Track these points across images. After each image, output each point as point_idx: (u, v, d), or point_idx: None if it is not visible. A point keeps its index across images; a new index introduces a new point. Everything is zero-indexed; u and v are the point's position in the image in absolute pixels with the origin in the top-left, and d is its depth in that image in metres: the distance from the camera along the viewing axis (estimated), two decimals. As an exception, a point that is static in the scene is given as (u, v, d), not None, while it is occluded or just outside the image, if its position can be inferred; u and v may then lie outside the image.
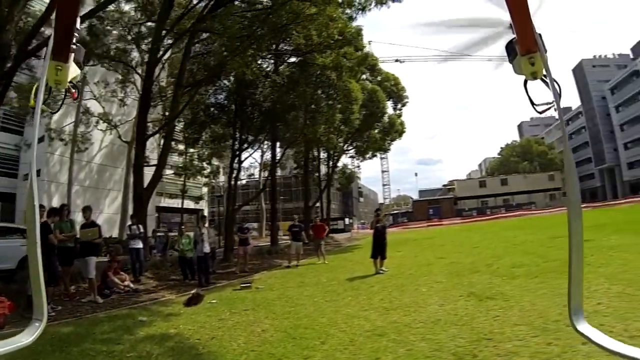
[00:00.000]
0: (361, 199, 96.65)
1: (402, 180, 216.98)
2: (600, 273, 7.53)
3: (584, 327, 1.34)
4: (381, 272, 11.43)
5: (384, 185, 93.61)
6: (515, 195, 72.07)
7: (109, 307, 9.18)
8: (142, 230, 13.15)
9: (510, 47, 1.47)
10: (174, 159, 37.93)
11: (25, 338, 1.22)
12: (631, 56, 69.20)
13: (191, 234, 13.72)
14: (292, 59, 21.86)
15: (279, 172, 46.64)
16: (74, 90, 1.47)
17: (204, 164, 35.84)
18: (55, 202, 28.31)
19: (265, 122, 22.25)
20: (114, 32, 18.30)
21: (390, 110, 36.41)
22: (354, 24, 19.84)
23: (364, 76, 31.34)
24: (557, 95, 1.40)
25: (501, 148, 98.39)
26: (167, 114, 20.73)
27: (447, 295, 7.44)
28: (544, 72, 1.40)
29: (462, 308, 6.32)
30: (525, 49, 1.39)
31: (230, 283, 12.28)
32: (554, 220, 29.53)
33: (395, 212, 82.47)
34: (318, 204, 38.72)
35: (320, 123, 22.39)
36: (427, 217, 64.06)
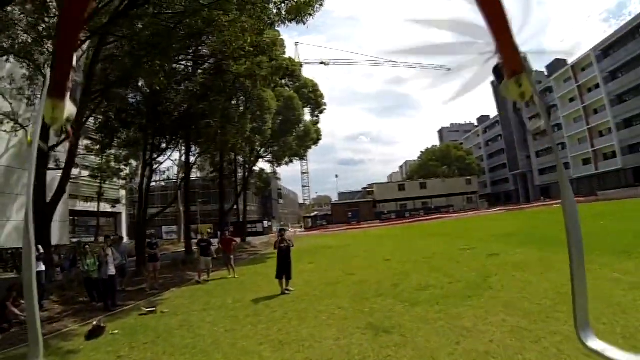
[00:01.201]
0: (281, 201, 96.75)
1: (324, 180, 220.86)
2: (499, 299, 8.04)
3: (595, 343, 1.22)
4: (287, 292, 11.55)
5: (303, 186, 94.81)
6: (434, 198, 75.58)
7: (7, 345, 8.60)
8: (42, 251, 12.50)
9: (497, 71, 1.48)
10: (91, 158, 36.18)
11: None
12: (546, 73, 74.97)
13: (104, 240, 13.26)
14: (209, 64, 21.48)
15: (197, 174, 45.84)
16: (69, 128, 1.50)
17: (121, 166, 34.56)
18: None
19: (178, 129, 21.97)
20: (23, 23, 16.55)
21: (308, 116, 36.81)
22: (279, 30, 20.06)
23: (282, 81, 31.41)
24: (547, 115, 1.42)
25: (421, 152, 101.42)
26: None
27: (345, 326, 7.60)
28: (532, 93, 1.41)
29: (356, 344, 6.44)
30: (511, 71, 1.40)
31: (137, 305, 11.97)
32: (468, 225, 31.52)
33: (315, 214, 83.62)
34: (236, 207, 38.58)
35: (232, 133, 22.36)
36: (346, 220, 65.85)
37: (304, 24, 15.81)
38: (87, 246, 14.36)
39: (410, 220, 53.92)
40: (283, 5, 15.52)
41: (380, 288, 10.80)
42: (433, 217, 55.23)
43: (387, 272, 13.49)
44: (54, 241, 23.85)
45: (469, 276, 10.98)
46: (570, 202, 1.30)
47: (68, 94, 1.40)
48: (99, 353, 7.60)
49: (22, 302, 10.68)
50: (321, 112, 38.21)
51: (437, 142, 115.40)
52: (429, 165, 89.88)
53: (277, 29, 21.24)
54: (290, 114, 30.98)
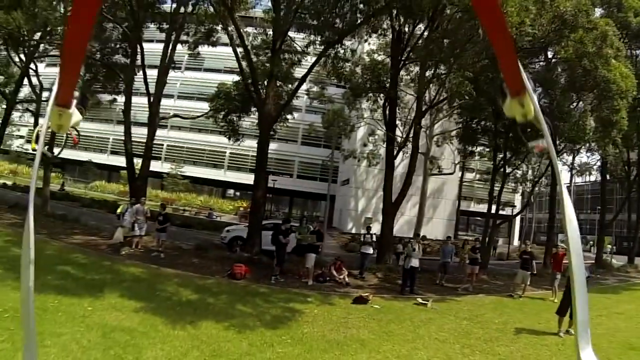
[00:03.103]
0: None
1: None
2: None
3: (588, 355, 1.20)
4: (562, 334, 9.64)
5: None
6: None
7: (305, 288, 12.63)
8: (374, 239, 16.63)
9: (502, 90, 1.48)
10: (487, 164, 38.71)
11: None
12: None
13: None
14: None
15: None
16: (74, 134, 2.20)
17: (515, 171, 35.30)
18: (361, 204, 37.80)
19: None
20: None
21: None
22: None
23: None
24: (549, 135, 1.43)
25: None
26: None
27: None
28: (533, 113, 1.42)
29: None
30: (514, 91, 1.40)
31: (427, 297, 12.78)
32: None
33: None
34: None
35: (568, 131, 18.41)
36: None
37: None
38: (410, 241, 16.88)
39: None
40: None
41: None
42: None
43: None
44: (439, 236, 30.21)
45: None
46: (570, 217, 1.30)
47: (74, 102, 1.44)
48: (340, 309, 10.33)
49: (344, 269, 14.63)
50: None
51: None
52: None
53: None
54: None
